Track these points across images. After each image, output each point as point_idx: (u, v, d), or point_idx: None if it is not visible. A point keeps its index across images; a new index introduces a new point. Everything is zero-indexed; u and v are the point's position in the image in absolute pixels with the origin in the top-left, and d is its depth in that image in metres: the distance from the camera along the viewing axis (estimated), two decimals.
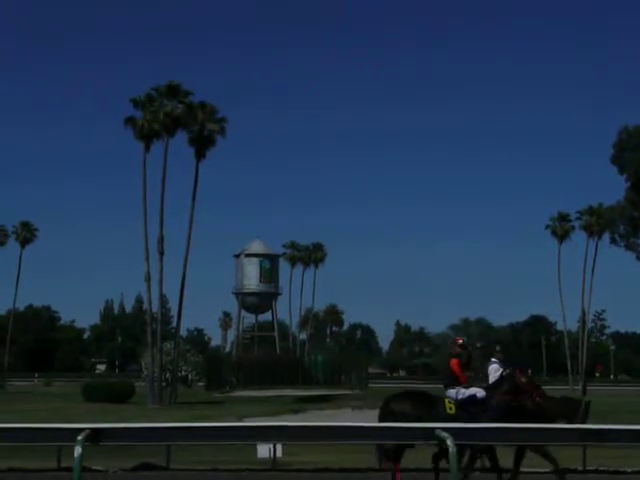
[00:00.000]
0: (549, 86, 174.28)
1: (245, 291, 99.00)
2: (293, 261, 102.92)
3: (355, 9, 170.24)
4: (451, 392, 13.97)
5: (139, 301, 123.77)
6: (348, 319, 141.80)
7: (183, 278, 54.56)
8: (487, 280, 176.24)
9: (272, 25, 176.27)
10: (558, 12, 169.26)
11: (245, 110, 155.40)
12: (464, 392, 13.79)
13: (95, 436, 11.18)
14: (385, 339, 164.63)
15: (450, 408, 13.50)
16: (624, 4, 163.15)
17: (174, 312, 75.93)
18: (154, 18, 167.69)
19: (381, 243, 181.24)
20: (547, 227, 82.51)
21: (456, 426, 10.62)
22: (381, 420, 13.15)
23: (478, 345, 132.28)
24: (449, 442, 9.08)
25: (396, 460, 13.34)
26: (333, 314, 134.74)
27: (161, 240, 52.87)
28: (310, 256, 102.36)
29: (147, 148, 53.23)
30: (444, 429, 9.51)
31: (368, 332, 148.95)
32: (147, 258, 52.73)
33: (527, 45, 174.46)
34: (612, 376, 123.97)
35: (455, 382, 14.14)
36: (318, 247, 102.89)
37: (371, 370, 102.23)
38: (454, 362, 14.67)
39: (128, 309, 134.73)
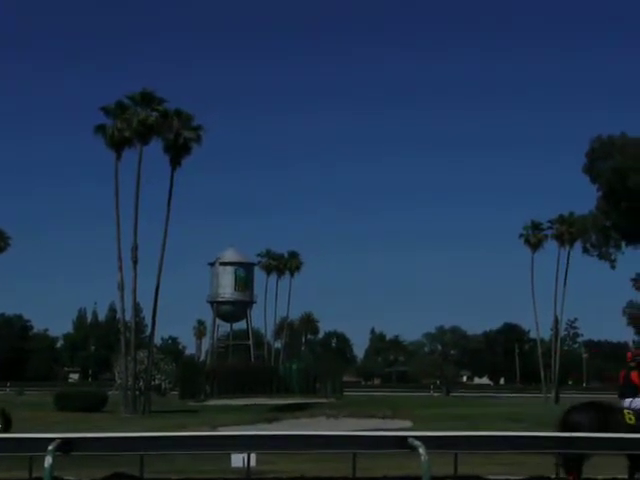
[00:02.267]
0: (523, 95, 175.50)
1: (220, 299, 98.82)
2: (268, 269, 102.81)
3: (333, 13, 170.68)
4: (626, 402, 14.55)
5: (112, 310, 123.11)
6: (323, 327, 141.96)
7: (157, 286, 54.38)
8: (461, 288, 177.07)
9: (249, 32, 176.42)
10: (530, 21, 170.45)
11: (221, 118, 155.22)
12: (638, 402, 14.33)
13: (66, 446, 11.11)
14: (360, 347, 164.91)
15: (630, 418, 13.99)
16: (596, 14, 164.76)
17: (148, 321, 75.57)
18: (130, 24, 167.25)
19: (356, 251, 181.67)
20: (520, 236, 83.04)
21: (429, 434, 10.67)
22: (560, 431, 13.20)
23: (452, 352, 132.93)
24: (421, 450, 9.11)
25: (578, 471, 13.49)
26: (308, 322, 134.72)
27: (135, 248, 52.67)
28: (285, 264, 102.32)
29: (119, 156, 53.06)
30: (416, 437, 9.55)
31: (343, 340, 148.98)
32: (120, 267, 52.52)
33: (500, 54, 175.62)
34: (584, 384, 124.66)
35: (635, 392, 14.62)
36: (293, 255, 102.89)
37: (346, 378, 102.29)
38: (634, 374, 15.05)
39: (101, 318, 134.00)
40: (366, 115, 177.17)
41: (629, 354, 16.59)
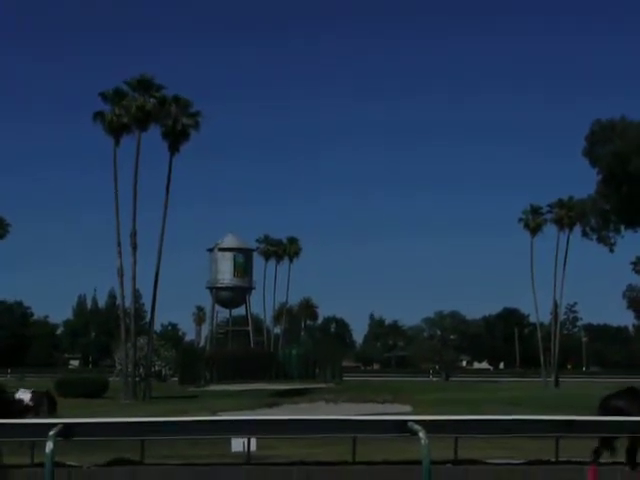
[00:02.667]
0: (521, 79, 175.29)
1: (219, 285, 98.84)
2: (267, 255, 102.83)
3: (325, 5, 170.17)
4: None
5: (112, 296, 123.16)
6: (322, 313, 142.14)
7: (157, 273, 54.42)
8: (460, 273, 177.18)
9: (246, 20, 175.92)
10: (526, 8, 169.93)
11: (220, 105, 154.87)
12: None
13: (68, 431, 11.15)
14: (359, 332, 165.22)
15: None
16: (592, 1, 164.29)
17: (148, 307, 75.57)
18: (128, 13, 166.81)
19: (355, 237, 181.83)
20: (520, 220, 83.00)
21: (429, 418, 10.70)
22: (601, 415, 13.47)
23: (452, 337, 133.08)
24: (421, 435, 9.14)
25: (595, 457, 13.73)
26: (307, 308, 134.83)
27: (134, 234, 52.68)
28: (284, 250, 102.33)
29: (117, 142, 53.04)
30: (417, 421, 9.58)
31: (342, 326, 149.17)
32: (120, 253, 52.59)
33: (497, 38, 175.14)
34: (584, 368, 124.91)
35: None
36: (292, 241, 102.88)
37: (345, 364, 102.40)
38: None
39: (101, 304, 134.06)
40: (365, 103, 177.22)
41: None
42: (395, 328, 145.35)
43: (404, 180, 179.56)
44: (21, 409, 20.02)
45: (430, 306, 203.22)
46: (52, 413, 19.59)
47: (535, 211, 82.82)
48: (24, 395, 21.07)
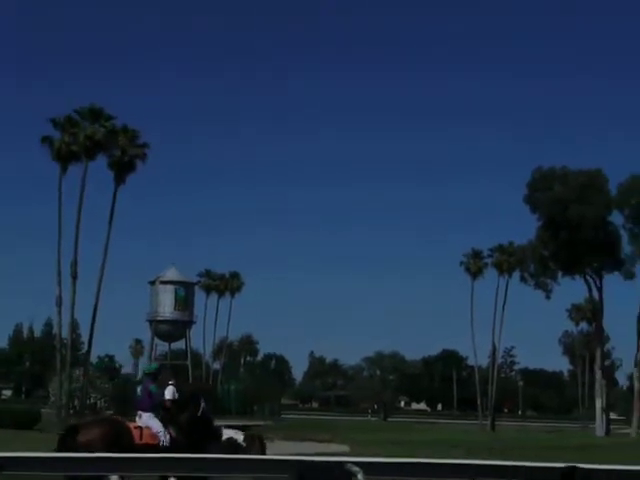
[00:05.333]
0: (469, 124, 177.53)
1: (159, 318, 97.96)
2: (208, 289, 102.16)
3: (261, 30, 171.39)
4: None
5: (49, 325, 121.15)
6: (262, 349, 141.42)
7: (96, 303, 53.74)
8: (401, 313, 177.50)
9: (195, 52, 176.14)
10: (474, 44, 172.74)
11: (167, 137, 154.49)
12: None
13: None
14: (299, 370, 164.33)
15: None
16: (541, 41, 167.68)
17: (85, 338, 74.59)
18: (80, 41, 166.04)
19: (298, 274, 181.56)
20: (461, 263, 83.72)
21: (368, 460, 10.67)
22: None
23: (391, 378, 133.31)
24: (360, 477, 9.11)
25: None
26: (248, 344, 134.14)
27: (75, 264, 52.02)
28: (226, 285, 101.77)
29: (64, 170, 52.54)
30: (355, 463, 9.55)
31: (282, 363, 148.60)
32: (59, 282, 51.83)
33: (443, 79, 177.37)
34: (520, 412, 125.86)
35: None
36: (234, 276, 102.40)
37: (284, 401, 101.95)
38: None
39: (38, 334, 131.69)
40: (302, 136, 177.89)
41: None
42: (335, 367, 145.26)
43: (345, 217, 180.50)
44: None
45: (370, 346, 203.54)
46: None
47: (476, 255, 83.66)
48: None
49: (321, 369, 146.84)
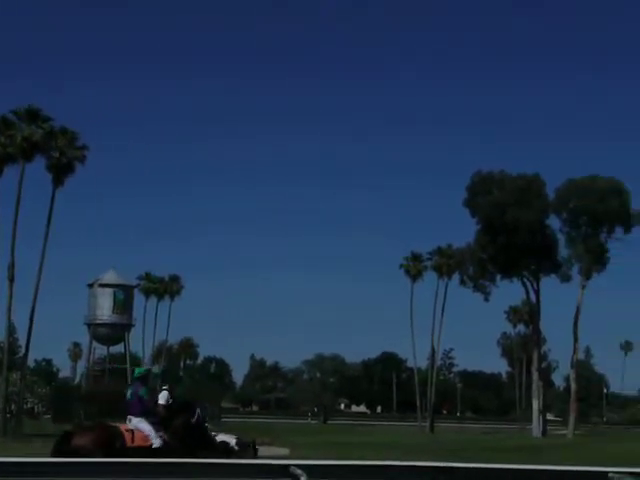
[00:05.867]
0: (408, 128, 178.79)
1: (97, 322, 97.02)
2: (148, 293, 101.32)
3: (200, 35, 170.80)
4: None
5: None
6: (202, 352, 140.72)
7: (33, 307, 52.96)
8: (342, 316, 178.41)
9: (135, 55, 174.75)
10: (410, 48, 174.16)
11: (105, 139, 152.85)
12: None
13: None
14: (239, 373, 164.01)
15: None
16: (476, 43, 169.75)
17: (22, 342, 73.50)
18: (15, 40, 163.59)
19: (238, 277, 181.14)
20: (401, 266, 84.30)
21: (311, 463, 10.73)
22: None
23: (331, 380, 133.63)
24: (303, 479, 9.17)
25: None
26: (187, 347, 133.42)
27: (12, 266, 51.21)
28: (166, 288, 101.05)
29: (0, 172, 51.74)
30: (298, 466, 9.59)
31: (222, 366, 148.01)
32: None
33: (375, 84, 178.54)
34: (458, 413, 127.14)
35: None
36: (174, 279, 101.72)
37: (224, 404, 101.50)
38: None
39: None
40: (243, 140, 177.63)
41: None
42: (275, 369, 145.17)
43: (285, 219, 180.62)
44: None
45: (311, 348, 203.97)
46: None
47: (416, 258, 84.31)
48: None
49: (261, 372, 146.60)
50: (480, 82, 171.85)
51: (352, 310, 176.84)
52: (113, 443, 14.36)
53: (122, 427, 15.12)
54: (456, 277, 77.57)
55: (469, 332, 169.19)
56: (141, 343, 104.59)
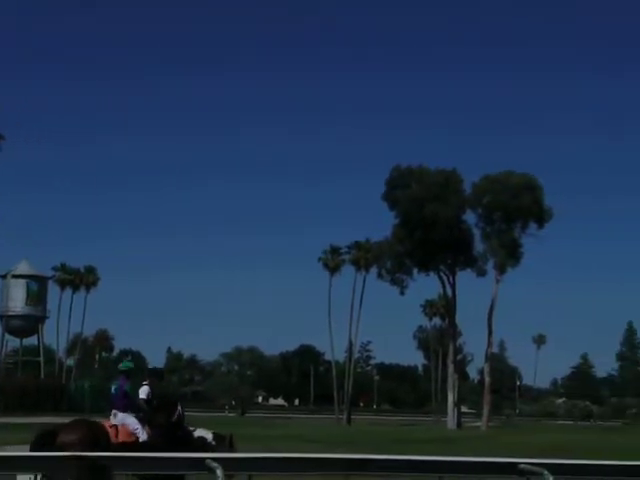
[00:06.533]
0: (329, 120, 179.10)
1: (10, 313, 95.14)
2: (63, 284, 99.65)
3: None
4: None
5: None
6: (118, 345, 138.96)
7: None
8: (260, 309, 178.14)
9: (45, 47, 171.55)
10: (333, 44, 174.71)
11: (20, 131, 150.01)
12: None
13: None
14: (156, 365, 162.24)
15: None
16: (393, 38, 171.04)
17: None
18: None
19: (154, 269, 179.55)
20: (319, 259, 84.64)
21: (226, 456, 10.69)
22: None
23: (249, 373, 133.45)
24: (219, 472, 9.14)
25: None
26: (103, 339, 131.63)
27: None
28: (81, 279, 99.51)
29: None
30: (214, 459, 9.56)
31: (138, 358, 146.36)
32: None
33: (302, 76, 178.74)
34: (375, 406, 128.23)
35: None
36: (90, 270, 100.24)
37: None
38: None
39: None
40: (172, 136, 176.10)
41: None
42: (193, 362, 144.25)
43: (201, 213, 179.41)
44: None
45: (229, 341, 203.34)
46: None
47: (334, 251, 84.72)
48: None
49: (178, 365, 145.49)
50: (399, 75, 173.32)
51: (271, 303, 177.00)
52: (99, 440, 14.29)
53: (106, 423, 15.06)
54: (374, 270, 78.19)
55: (386, 325, 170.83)
56: (55, 335, 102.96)
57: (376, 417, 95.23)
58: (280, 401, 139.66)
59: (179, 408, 16.01)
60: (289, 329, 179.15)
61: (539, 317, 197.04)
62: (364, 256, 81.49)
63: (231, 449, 16.06)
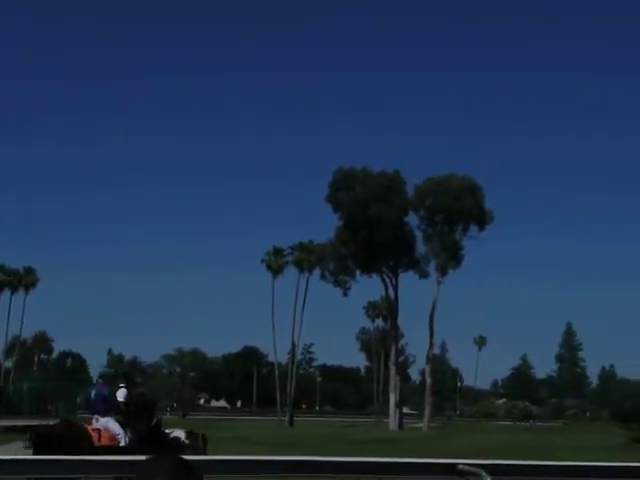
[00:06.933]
0: (273, 119, 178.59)
1: None
2: (1, 285, 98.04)
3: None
4: None
5: None
6: (58, 347, 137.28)
7: None
8: (203, 311, 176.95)
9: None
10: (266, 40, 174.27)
11: None
12: None
13: None
14: (96, 368, 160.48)
15: None
16: (343, 39, 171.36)
17: None
18: None
19: (95, 270, 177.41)
20: (262, 261, 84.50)
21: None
22: None
23: (191, 375, 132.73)
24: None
25: None
26: (42, 341, 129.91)
27: None
28: (20, 280, 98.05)
29: None
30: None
31: (79, 360, 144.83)
32: None
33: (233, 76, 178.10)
34: (317, 407, 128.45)
35: None
36: (29, 272, 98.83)
37: (80, 400, 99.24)
38: None
39: None
40: (128, 136, 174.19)
41: None
42: (134, 364, 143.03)
43: (147, 214, 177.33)
44: None
45: (171, 343, 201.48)
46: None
47: (277, 252, 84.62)
48: None
49: (119, 367, 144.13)
50: (343, 75, 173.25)
51: (213, 304, 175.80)
52: (82, 443, 14.49)
53: (89, 427, 15.35)
54: (317, 272, 78.33)
55: (329, 327, 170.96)
56: None
57: (318, 419, 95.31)
58: (222, 403, 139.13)
59: (156, 413, 16.61)
60: (232, 331, 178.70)
61: (480, 318, 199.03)
62: (307, 258, 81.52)
63: (205, 447, 16.37)
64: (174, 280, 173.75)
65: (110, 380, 16.60)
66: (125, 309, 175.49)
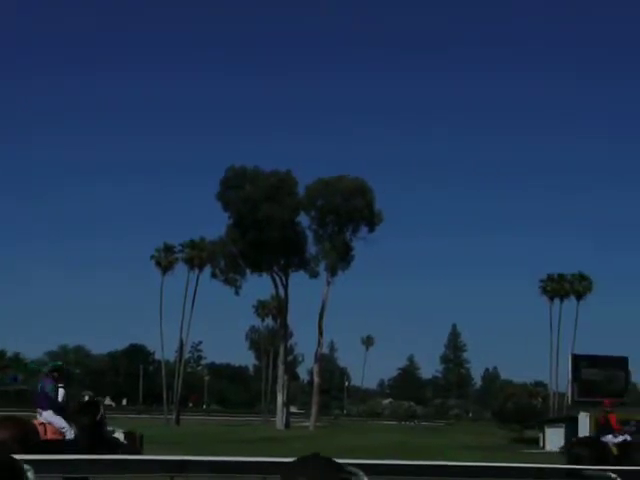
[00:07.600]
0: (171, 120, 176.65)
1: None
2: None
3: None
4: (607, 438, 22.60)
5: None
6: None
7: None
8: (88, 307, 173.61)
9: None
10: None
11: None
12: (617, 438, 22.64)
13: None
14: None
15: (615, 451, 21.84)
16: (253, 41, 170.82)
17: None
18: None
19: None
20: (152, 257, 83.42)
21: (38, 458, 10.42)
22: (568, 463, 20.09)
23: (77, 371, 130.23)
24: (30, 475, 8.92)
25: None
26: None
27: None
28: None
29: None
30: (27, 461, 9.30)
31: None
32: None
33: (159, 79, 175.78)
34: (205, 406, 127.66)
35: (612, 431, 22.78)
36: None
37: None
38: (612, 417, 23.26)
39: None
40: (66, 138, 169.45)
41: (606, 401, 25.42)
42: (17, 361, 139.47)
43: (54, 219, 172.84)
44: None
45: (54, 339, 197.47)
46: None
47: (168, 249, 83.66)
48: None
49: (1, 363, 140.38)
50: (234, 76, 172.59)
51: (99, 301, 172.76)
52: (30, 437, 14.68)
53: (35, 421, 15.51)
54: (208, 270, 77.85)
55: (219, 325, 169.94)
56: None
57: (206, 417, 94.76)
58: (107, 401, 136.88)
59: (102, 409, 16.70)
60: (119, 328, 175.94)
61: (368, 319, 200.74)
62: (198, 255, 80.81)
63: (140, 446, 16.78)
64: (61, 275, 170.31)
65: (54, 374, 16.26)
66: (7, 304, 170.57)
